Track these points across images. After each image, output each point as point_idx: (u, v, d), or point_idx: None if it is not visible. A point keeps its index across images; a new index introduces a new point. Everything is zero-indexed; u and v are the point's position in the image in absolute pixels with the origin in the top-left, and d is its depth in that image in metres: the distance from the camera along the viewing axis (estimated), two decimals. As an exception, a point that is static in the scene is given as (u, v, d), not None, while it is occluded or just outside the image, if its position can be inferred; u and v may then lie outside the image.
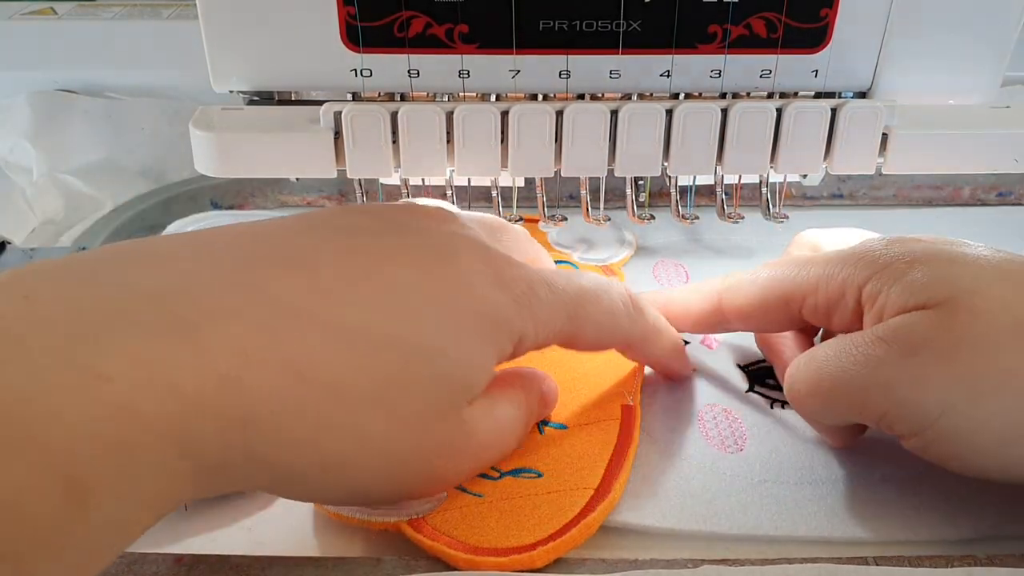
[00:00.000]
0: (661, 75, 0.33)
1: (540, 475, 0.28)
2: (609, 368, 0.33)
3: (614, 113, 0.33)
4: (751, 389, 0.33)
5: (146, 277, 0.20)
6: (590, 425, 0.30)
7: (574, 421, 0.30)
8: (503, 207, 0.38)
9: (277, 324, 0.21)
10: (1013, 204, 0.48)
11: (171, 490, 0.19)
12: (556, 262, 0.40)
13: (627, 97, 0.34)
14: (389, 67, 0.33)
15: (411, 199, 0.37)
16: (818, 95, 0.34)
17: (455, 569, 0.25)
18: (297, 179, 0.47)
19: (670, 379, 0.34)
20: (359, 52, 0.32)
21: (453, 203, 0.37)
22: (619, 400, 0.31)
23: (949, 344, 0.24)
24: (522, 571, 0.25)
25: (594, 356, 0.34)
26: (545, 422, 0.30)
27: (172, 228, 0.46)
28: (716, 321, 0.32)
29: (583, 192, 0.38)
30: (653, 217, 0.39)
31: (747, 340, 0.36)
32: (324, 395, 0.22)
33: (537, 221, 0.39)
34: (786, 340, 0.33)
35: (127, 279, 0.20)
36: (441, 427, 0.25)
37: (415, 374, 0.23)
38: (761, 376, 0.34)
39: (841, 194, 0.48)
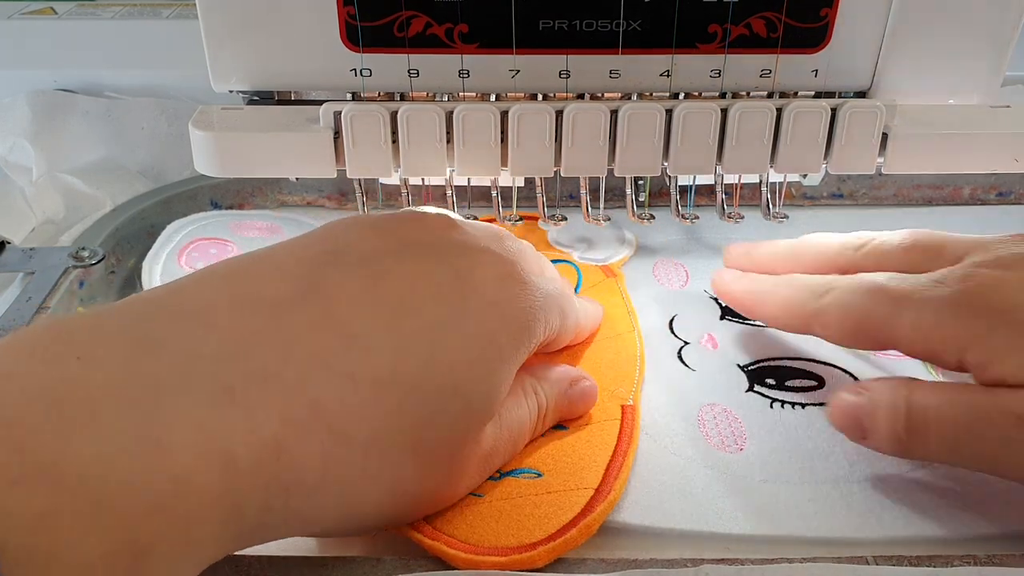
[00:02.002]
0: (661, 75, 0.33)
1: (540, 475, 0.28)
2: (609, 368, 0.33)
3: (614, 113, 0.33)
4: (751, 389, 0.33)
5: (190, 339, 0.21)
6: (590, 425, 0.30)
7: (574, 422, 0.30)
8: (503, 207, 0.38)
9: (314, 384, 0.21)
10: (1013, 204, 0.48)
11: (217, 551, 0.20)
12: (556, 262, 0.40)
13: (627, 97, 0.34)
14: (389, 67, 0.33)
15: (411, 206, 0.37)
16: (818, 95, 0.34)
17: (455, 569, 0.25)
18: (297, 179, 0.47)
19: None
20: (359, 52, 0.32)
21: (453, 203, 0.37)
22: (618, 400, 0.31)
23: None
24: (522, 571, 0.25)
25: (594, 357, 0.34)
26: None
27: (172, 228, 0.46)
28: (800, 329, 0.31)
29: (583, 192, 0.38)
30: (653, 217, 0.39)
31: (748, 340, 0.36)
32: (363, 452, 0.22)
33: (537, 219, 0.39)
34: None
35: (174, 343, 0.20)
36: (463, 453, 0.25)
37: (445, 412, 0.24)
38: (761, 376, 0.34)
39: (841, 194, 0.48)
